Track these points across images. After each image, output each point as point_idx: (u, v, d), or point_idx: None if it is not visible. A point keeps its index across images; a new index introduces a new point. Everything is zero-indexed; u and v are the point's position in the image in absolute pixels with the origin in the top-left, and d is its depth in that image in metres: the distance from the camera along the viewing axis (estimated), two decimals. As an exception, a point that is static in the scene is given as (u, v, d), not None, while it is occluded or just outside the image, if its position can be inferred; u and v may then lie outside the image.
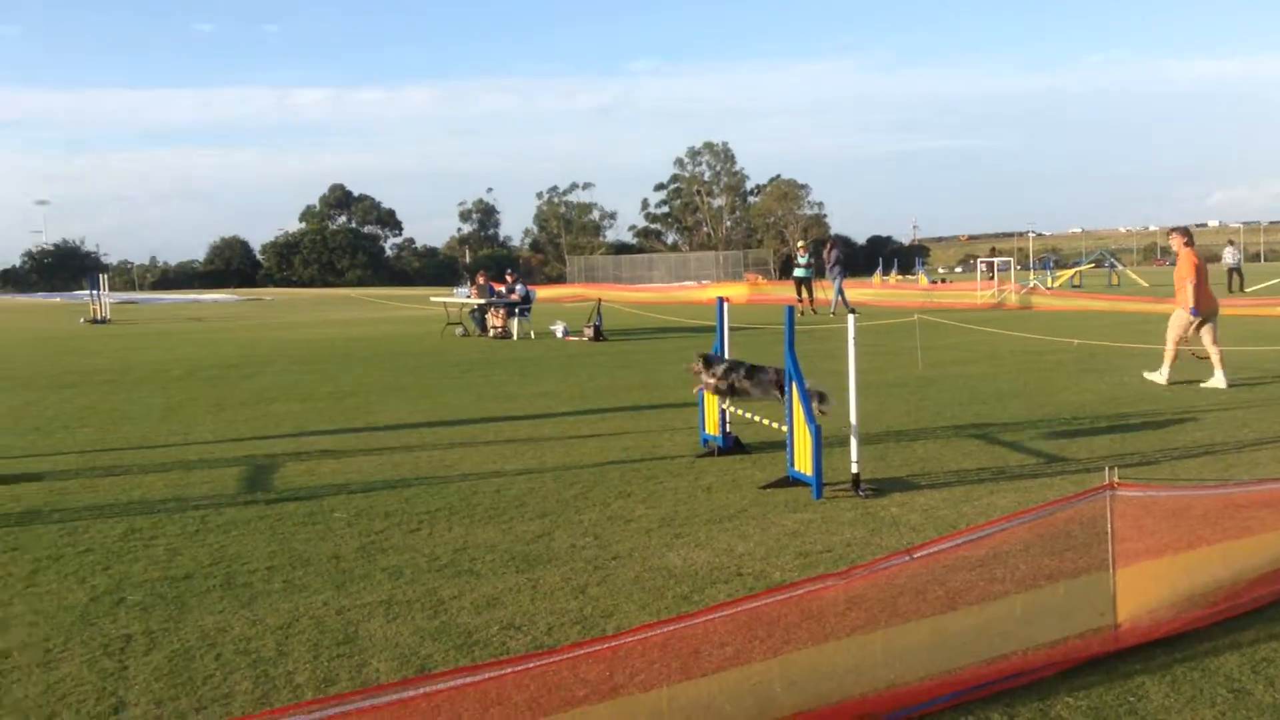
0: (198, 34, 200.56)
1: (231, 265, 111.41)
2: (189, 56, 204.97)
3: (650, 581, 5.00)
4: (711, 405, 8.21)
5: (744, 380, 7.63)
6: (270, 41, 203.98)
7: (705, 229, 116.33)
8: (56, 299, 65.34)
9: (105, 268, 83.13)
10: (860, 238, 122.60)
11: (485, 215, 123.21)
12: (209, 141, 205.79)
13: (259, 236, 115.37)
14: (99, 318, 35.84)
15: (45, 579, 5.20)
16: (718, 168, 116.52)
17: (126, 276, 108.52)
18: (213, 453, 8.74)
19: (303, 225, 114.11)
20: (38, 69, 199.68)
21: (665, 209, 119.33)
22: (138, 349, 21.89)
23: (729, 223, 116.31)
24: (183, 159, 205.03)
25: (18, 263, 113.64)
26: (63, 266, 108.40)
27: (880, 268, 64.04)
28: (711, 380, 7.73)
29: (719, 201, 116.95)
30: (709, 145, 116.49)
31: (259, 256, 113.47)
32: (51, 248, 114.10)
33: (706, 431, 8.34)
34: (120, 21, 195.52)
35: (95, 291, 38.64)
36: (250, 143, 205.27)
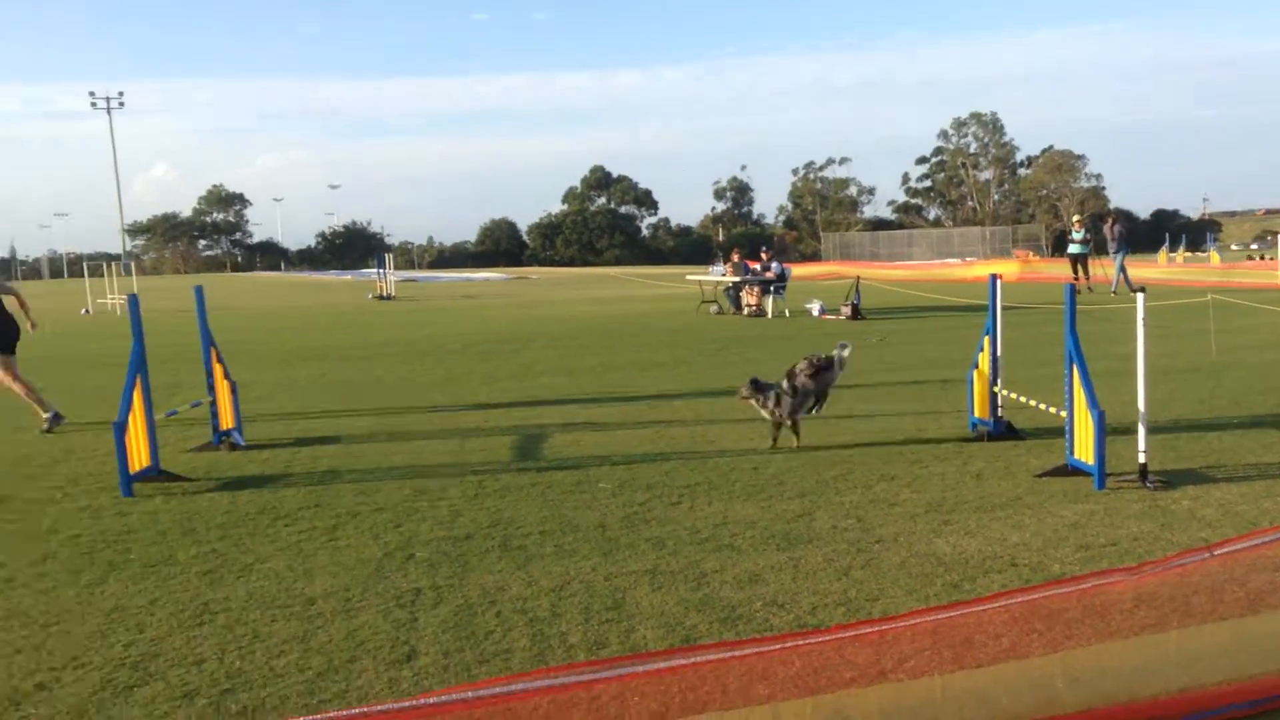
0: (474, 24, 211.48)
1: (500, 245, 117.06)
2: (465, 45, 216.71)
3: (917, 567, 4.86)
4: (981, 387, 7.87)
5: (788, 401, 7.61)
6: (538, 28, 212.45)
7: (970, 203, 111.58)
8: (347, 276, 71.05)
9: (389, 248, 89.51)
10: (1143, 212, 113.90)
11: (739, 193, 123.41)
12: (481, 127, 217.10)
13: (525, 218, 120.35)
14: (385, 294, 38.60)
15: (344, 534, 5.67)
16: (985, 139, 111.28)
17: (407, 256, 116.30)
18: (488, 422, 9.24)
19: (564, 206, 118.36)
20: (332, 62, 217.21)
21: (927, 183, 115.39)
22: (419, 324, 23.45)
23: (996, 196, 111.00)
24: (457, 144, 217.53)
25: (313, 243, 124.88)
26: (351, 246, 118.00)
27: (1166, 244, 59.23)
28: (764, 411, 7.73)
29: (986, 174, 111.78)
30: (976, 116, 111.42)
31: (525, 237, 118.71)
32: (342, 229, 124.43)
33: (975, 415, 8.00)
34: (409, 15, 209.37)
35: (381, 270, 41.63)
36: (518, 127, 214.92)
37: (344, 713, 3.08)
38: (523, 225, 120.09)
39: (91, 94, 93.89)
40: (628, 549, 5.22)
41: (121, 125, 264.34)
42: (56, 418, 9.50)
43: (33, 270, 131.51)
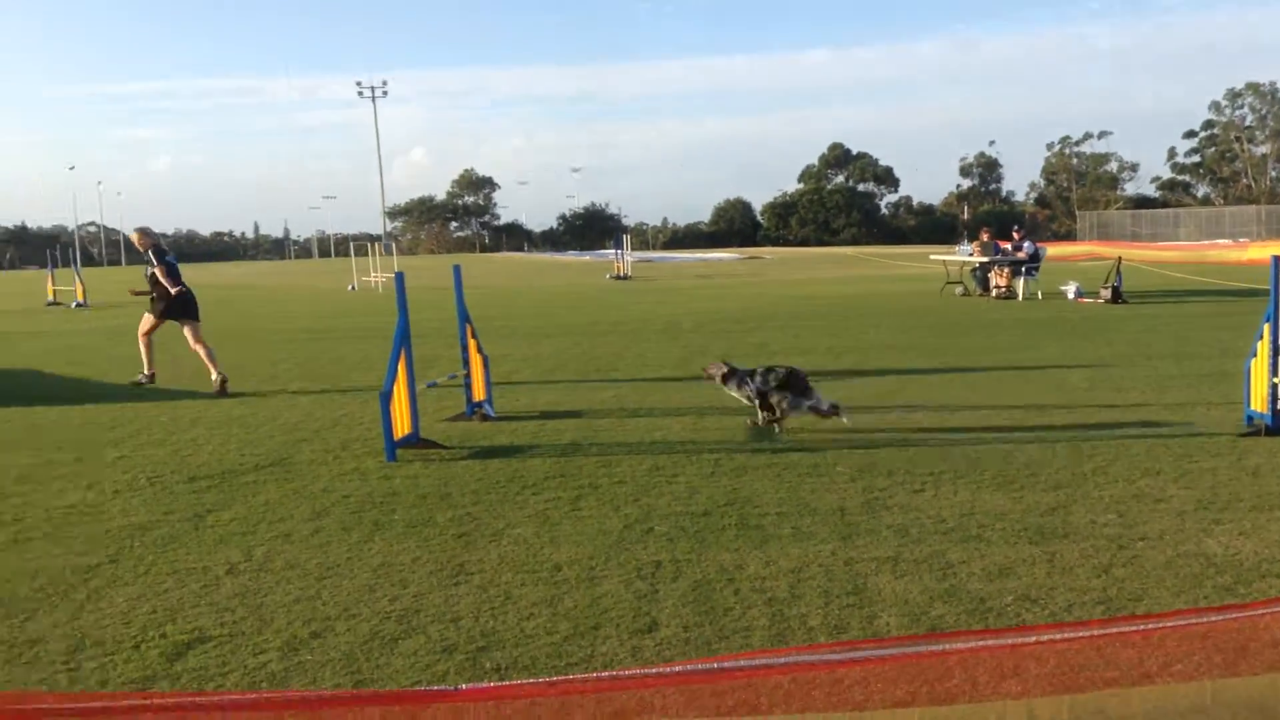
0: (714, 5, 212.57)
1: (734, 225, 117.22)
2: (705, 26, 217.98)
3: (1185, 568, 4.51)
4: (1259, 378, 7.21)
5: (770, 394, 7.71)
6: (779, 6, 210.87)
7: (1245, 180, 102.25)
8: (585, 257, 73.22)
9: (626, 229, 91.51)
10: None
11: (986, 170, 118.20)
12: (717, 107, 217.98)
13: (760, 198, 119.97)
14: (621, 274, 39.51)
15: (586, 504, 5.84)
16: (1262, 110, 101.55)
17: (642, 237, 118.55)
18: (722, 400, 9.28)
19: (800, 185, 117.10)
20: (577, 49, 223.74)
21: (1195, 158, 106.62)
22: (654, 303, 23.86)
23: (1274, 173, 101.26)
24: (693, 126, 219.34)
25: (554, 224, 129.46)
26: (590, 227, 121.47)
27: None
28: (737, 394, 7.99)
29: (1262, 149, 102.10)
30: (1252, 86, 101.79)
31: (759, 217, 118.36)
32: (581, 211, 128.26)
33: (1251, 408, 7.34)
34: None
35: (619, 251, 42.62)
36: (755, 106, 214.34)
37: (594, 675, 3.17)
38: (757, 205, 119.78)
39: (358, 83, 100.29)
40: (868, 535, 5.11)
41: (384, 112, 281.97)
42: (224, 382, 10.66)
43: (304, 250, 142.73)
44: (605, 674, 3.19)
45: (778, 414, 7.71)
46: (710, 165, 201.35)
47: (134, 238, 11.62)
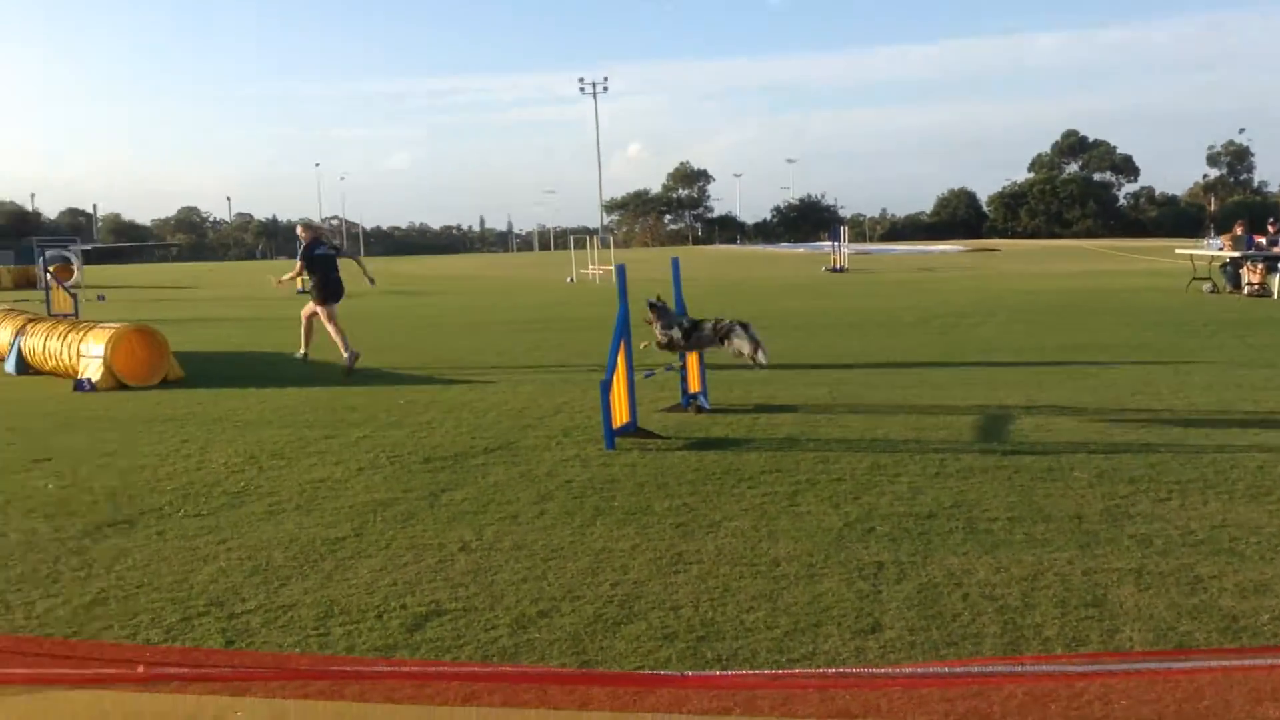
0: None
1: (957, 216, 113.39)
2: (929, 11, 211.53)
3: None
4: None
5: (683, 338, 8.23)
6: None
7: None
8: (800, 249, 72.50)
9: (842, 220, 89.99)
10: None
11: (1236, 159, 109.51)
12: (939, 95, 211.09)
13: (985, 188, 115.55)
14: (838, 267, 38.94)
15: (804, 500, 5.78)
16: None
17: (858, 229, 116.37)
18: (947, 398, 8.99)
19: (1030, 175, 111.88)
20: (792, 38, 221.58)
21: None
22: (872, 296, 23.39)
23: None
24: (913, 114, 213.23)
25: (767, 216, 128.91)
26: (804, 219, 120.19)
27: None
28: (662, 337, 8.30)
29: None
30: None
31: (984, 208, 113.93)
32: (796, 202, 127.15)
33: None
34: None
35: (835, 243, 42.02)
36: (981, 93, 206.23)
37: (819, 671, 3.15)
38: (982, 195, 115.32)
39: (580, 80, 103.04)
40: (1109, 544, 4.82)
41: (603, 108, 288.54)
42: (354, 358, 12.04)
43: (525, 243, 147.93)
44: (831, 670, 3.15)
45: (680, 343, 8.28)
46: (931, 154, 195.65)
47: (298, 230, 13.12)
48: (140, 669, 2.35)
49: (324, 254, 12.67)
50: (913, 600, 4.17)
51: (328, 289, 12.48)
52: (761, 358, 8.07)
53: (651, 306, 8.27)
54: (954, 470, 6.35)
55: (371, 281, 13.88)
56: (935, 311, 18.43)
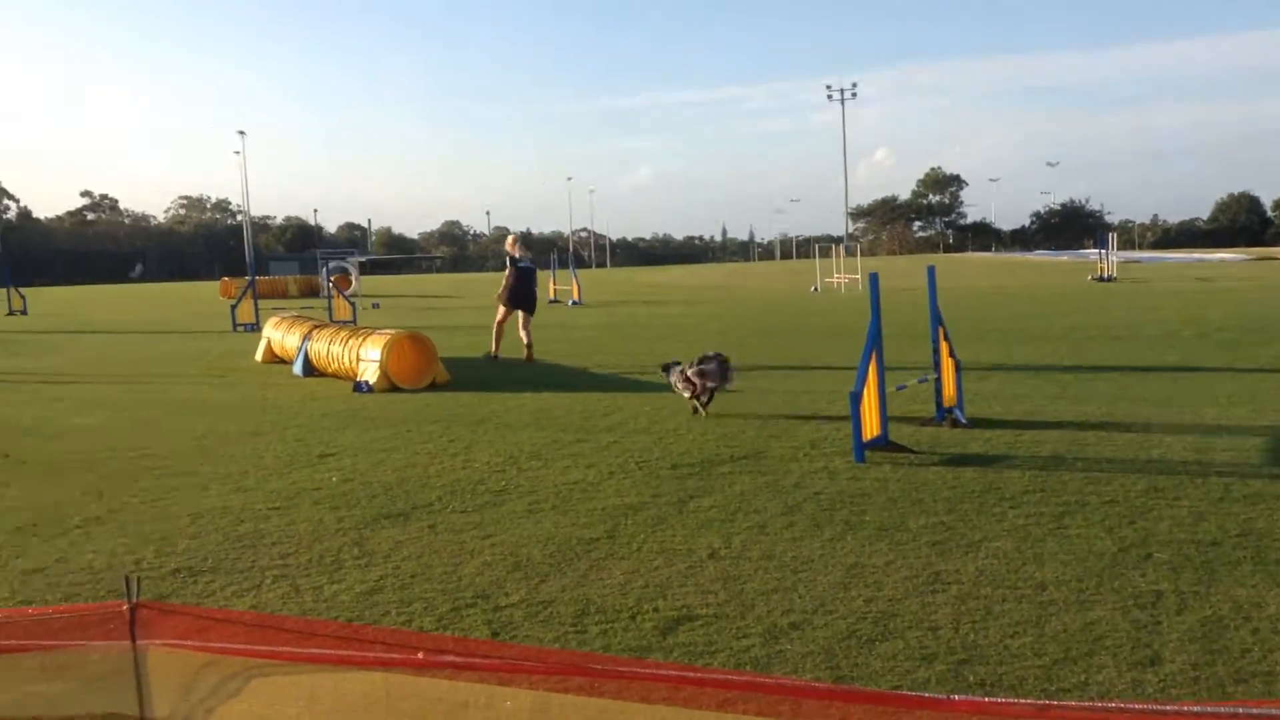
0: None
1: (1237, 223, 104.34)
2: (1191, 4, 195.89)
3: None
4: None
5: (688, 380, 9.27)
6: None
7: None
8: (1062, 257, 68.70)
9: (1109, 226, 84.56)
10: None
11: None
12: (1220, 92, 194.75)
13: (1270, 192, 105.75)
14: (1105, 275, 36.62)
15: (1072, 523, 5.45)
16: None
17: (1126, 236, 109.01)
18: (1232, 418, 8.26)
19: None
20: (1051, 36, 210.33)
21: None
22: (1146, 308, 21.84)
23: None
24: (1189, 113, 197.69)
25: (1026, 222, 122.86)
26: (1066, 226, 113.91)
27: None
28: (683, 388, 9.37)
29: None
30: None
31: (1269, 213, 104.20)
32: (1058, 208, 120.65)
33: None
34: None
35: (1102, 250, 39.56)
36: (1264, 90, 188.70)
37: (1095, 704, 2.94)
38: (1266, 199, 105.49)
39: (828, 87, 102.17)
40: None
41: (850, 114, 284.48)
42: (494, 358, 14.67)
43: (766, 252, 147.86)
44: (1108, 703, 2.95)
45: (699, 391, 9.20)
46: (1208, 156, 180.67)
47: (508, 242, 15.25)
48: (420, 655, 2.49)
49: (526, 266, 14.94)
50: (1195, 633, 3.85)
51: (518, 297, 14.67)
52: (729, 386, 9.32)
53: (664, 369, 9.77)
54: (1240, 495, 5.83)
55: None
56: (1216, 324, 16.99)
